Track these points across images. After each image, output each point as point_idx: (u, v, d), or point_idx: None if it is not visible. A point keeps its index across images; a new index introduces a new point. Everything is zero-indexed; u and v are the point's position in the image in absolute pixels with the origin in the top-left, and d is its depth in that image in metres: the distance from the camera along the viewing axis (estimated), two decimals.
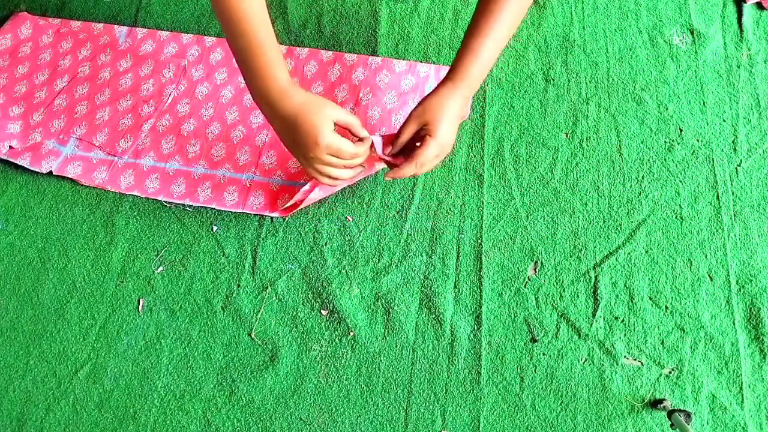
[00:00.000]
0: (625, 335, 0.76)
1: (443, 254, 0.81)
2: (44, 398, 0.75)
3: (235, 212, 0.85)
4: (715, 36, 0.95)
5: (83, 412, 0.74)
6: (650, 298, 0.77)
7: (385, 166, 0.79)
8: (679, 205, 0.83)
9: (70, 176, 0.88)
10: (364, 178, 0.86)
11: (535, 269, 0.80)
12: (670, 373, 0.73)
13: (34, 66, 0.99)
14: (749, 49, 0.93)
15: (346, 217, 0.84)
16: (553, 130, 0.89)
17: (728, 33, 0.95)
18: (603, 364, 0.74)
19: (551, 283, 0.79)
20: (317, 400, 0.74)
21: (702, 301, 0.77)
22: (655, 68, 0.93)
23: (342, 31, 1.00)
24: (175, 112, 0.93)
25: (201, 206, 0.86)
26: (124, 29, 1.01)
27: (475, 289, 0.79)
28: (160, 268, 0.82)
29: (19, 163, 0.88)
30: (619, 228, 0.82)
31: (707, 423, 0.71)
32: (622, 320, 0.76)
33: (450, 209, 0.84)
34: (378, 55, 0.96)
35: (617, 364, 0.74)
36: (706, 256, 0.79)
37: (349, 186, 0.85)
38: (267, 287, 0.80)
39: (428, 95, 0.75)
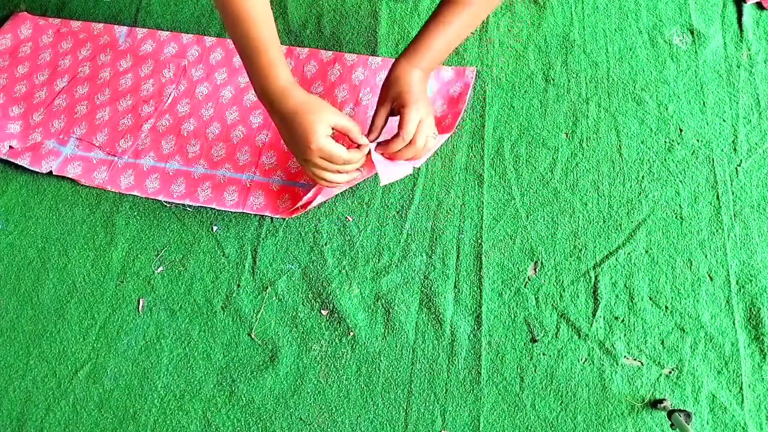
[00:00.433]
0: (625, 335, 0.76)
1: (443, 254, 0.81)
2: (44, 398, 0.75)
3: (235, 212, 0.85)
4: (715, 36, 0.95)
5: (83, 412, 0.74)
6: (650, 298, 0.77)
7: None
8: (679, 205, 0.83)
9: (70, 176, 0.88)
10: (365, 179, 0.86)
11: (535, 269, 0.80)
12: (670, 373, 0.73)
13: (34, 66, 0.99)
14: (749, 49, 0.93)
15: (346, 217, 0.84)
16: (553, 130, 0.89)
17: (728, 33, 0.95)
18: (603, 364, 0.74)
19: (551, 283, 0.79)
20: (317, 400, 0.74)
21: (702, 301, 0.77)
22: (655, 68, 0.93)
23: (342, 31, 1.00)
24: (175, 112, 0.93)
25: (201, 206, 0.86)
26: (124, 29, 1.01)
27: (475, 289, 0.79)
28: (160, 268, 0.82)
29: (19, 163, 0.88)
30: (619, 228, 0.82)
31: (707, 423, 0.71)
32: (622, 320, 0.76)
33: (450, 209, 0.84)
34: (378, 55, 0.96)
35: (617, 364, 0.74)
36: (706, 256, 0.79)
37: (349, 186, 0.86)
38: (267, 287, 0.80)
39: (388, 77, 0.78)
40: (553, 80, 0.93)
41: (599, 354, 0.75)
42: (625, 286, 0.78)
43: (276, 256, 0.82)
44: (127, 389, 0.75)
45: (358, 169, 0.76)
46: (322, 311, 0.79)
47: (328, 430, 0.72)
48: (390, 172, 0.77)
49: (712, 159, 0.86)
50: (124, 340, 0.78)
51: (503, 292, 0.79)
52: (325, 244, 0.83)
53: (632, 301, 0.77)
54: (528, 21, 0.98)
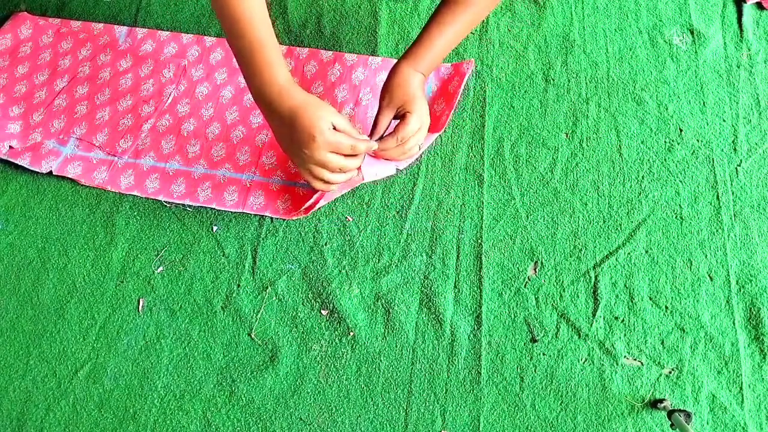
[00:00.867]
0: (625, 335, 0.76)
1: (443, 254, 0.81)
2: (44, 398, 0.75)
3: (235, 212, 0.85)
4: (715, 36, 0.95)
5: (83, 412, 0.74)
6: (650, 298, 0.77)
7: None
8: (679, 205, 0.83)
9: (70, 176, 0.88)
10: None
11: (535, 269, 0.80)
12: (670, 373, 0.73)
13: (34, 66, 0.99)
14: (749, 49, 0.93)
15: (346, 217, 0.84)
16: (553, 130, 0.89)
17: (728, 33, 0.95)
18: (603, 364, 0.74)
19: (551, 283, 0.79)
20: (317, 400, 0.74)
21: (702, 301, 0.77)
22: (655, 68, 0.93)
23: (342, 31, 1.00)
24: (175, 112, 0.93)
25: (201, 206, 0.86)
26: (124, 29, 1.01)
27: (475, 289, 0.79)
28: (160, 268, 0.82)
29: (19, 163, 0.88)
30: (619, 228, 0.82)
31: (707, 423, 0.71)
32: (622, 320, 0.76)
33: (450, 209, 0.84)
34: (378, 55, 0.96)
35: (617, 364, 0.74)
36: (706, 256, 0.79)
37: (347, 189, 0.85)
38: (267, 287, 0.80)
39: (388, 78, 0.79)
40: (553, 80, 0.93)
41: (599, 354, 0.75)
42: (625, 286, 0.78)
43: (276, 256, 0.82)
44: (127, 389, 0.75)
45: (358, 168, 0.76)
46: (322, 311, 0.79)
47: (328, 430, 0.72)
48: (375, 169, 0.81)
49: (712, 159, 0.86)
50: (124, 340, 0.78)
51: (503, 292, 0.79)
52: (325, 244, 0.83)
53: (632, 301, 0.77)
54: (528, 21, 0.98)
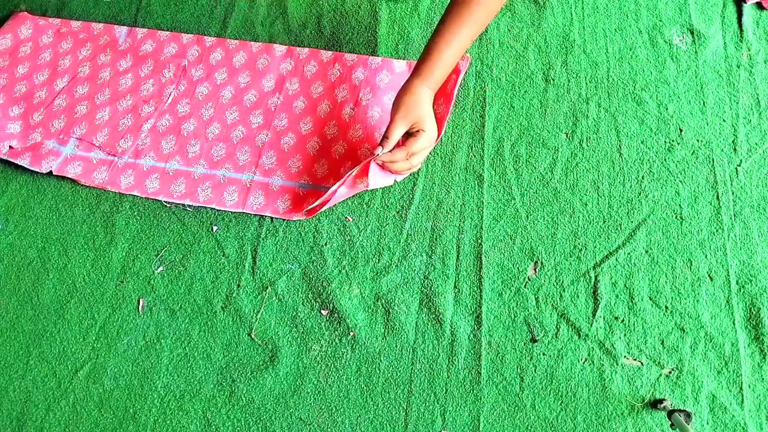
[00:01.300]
0: (625, 335, 0.76)
1: (443, 254, 0.81)
2: (44, 398, 0.75)
3: (235, 212, 0.85)
4: (715, 36, 0.95)
5: (83, 412, 0.74)
6: (650, 298, 0.77)
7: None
8: (679, 205, 0.83)
9: (70, 176, 0.88)
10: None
11: (535, 269, 0.80)
12: (670, 373, 0.73)
13: (34, 66, 0.99)
14: (749, 49, 0.93)
15: (346, 217, 0.84)
16: (553, 130, 0.89)
17: (728, 33, 0.95)
18: (603, 364, 0.74)
19: (551, 283, 0.79)
20: (317, 400, 0.74)
21: (702, 301, 0.77)
22: (655, 68, 0.93)
23: (342, 31, 1.00)
24: (175, 112, 0.93)
25: (201, 206, 0.86)
26: (124, 29, 1.01)
27: (475, 289, 0.79)
28: (160, 268, 0.82)
29: (19, 163, 0.88)
30: (619, 228, 0.82)
31: (707, 423, 0.71)
32: (622, 320, 0.76)
33: (450, 209, 0.84)
34: (378, 55, 0.96)
35: (617, 364, 0.74)
36: (706, 256, 0.79)
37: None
38: (267, 287, 0.80)
39: (403, 94, 0.79)
40: (553, 80, 0.93)
41: (599, 354, 0.75)
42: (625, 286, 0.78)
43: (276, 256, 0.82)
44: (127, 389, 0.75)
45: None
46: (322, 311, 0.79)
47: (328, 430, 0.72)
48: (379, 178, 0.82)
49: (712, 159, 0.86)
50: (124, 340, 0.78)
51: (503, 292, 0.79)
52: (325, 244, 0.83)
53: (632, 301, 0.77)
54: (528, 21, 0.98)
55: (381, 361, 0.76)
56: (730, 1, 0.98)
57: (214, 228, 0.85)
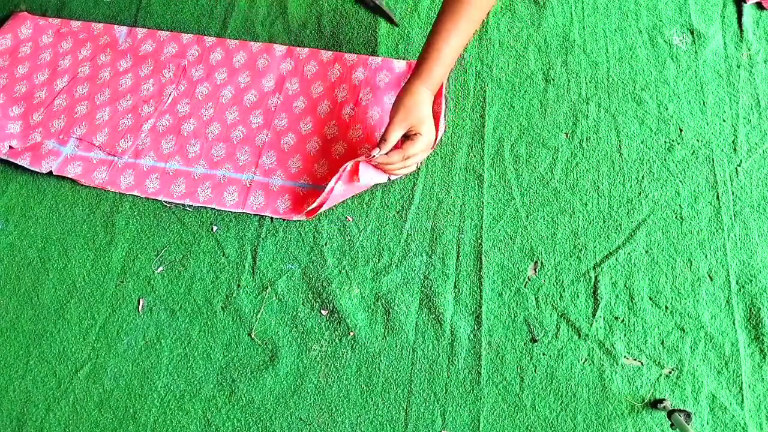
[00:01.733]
0: (625, 335, 0.76)
1: (443, 254, 0.81)
2: (44, 398, 0.75)
3: (235, 212, 0.85)
4: (715, 36, 0.95)
5: (83, 412, 0.74)
6: (650, 298, 0.77)
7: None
8: (679, 205, 0.83)
9: (70, 176, 0.88)
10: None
11: (535, 269, 0.80)
12: (670, 373, 0.73)
13: (34, 66, 0.99)
14: (749, 49, 0.93)
15: (346, 217, 0.84)
16: (553, 130, 0.89)
17: (728, 33, 0.95)
18: (603, 364, 0.74)
19: (551, 283, 0.79)
20: (317, 400, 0.74)
21: (702, 301, 0.77)
22: (655, 68, 0.93)
23: (342, 31, 1.00)
24: (175, 112, 0.93)
25: (201, 206, 0.86)
26: (124, 29, 1.01)
27: (475, 289, 0.79)
28: (160, 268, 0.82)
29: (19, 163, 0.88)
30: (619, 228, 0.82)
31: (707, 423, 0.71)
32: (622, 320, 0.76)
33: (450, 209, 0.84)
34: (378, 55, 0.96)
35: (617, 364, 0.74)
36: (706, 256, 0.79)
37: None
38: (267, 287, 0.80)
39: (403, 96, 0.80)
40: (553, 80, 0.93)
41: (599, 354, 0.75)
42: (625, 286, 0.78)
43: (276, 256, 0.82)
44: (127, 389, 0.75)
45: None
46: (322, 311, 0.79)
47: (328, 430, 0.72)
48: (371, 176, 0.82)
49: (712, 159, 0.86)
50: (124, 340, 0.78)
51: (503, 292, 0.79)
52: (325, 244, 0.83)
53: (632, 301, 0.77)
54: (528, 21, 0.98)
55: (381, 361, 0.76)
56: (730, 1, 0.98)
57: (214, 228, 0.85)
